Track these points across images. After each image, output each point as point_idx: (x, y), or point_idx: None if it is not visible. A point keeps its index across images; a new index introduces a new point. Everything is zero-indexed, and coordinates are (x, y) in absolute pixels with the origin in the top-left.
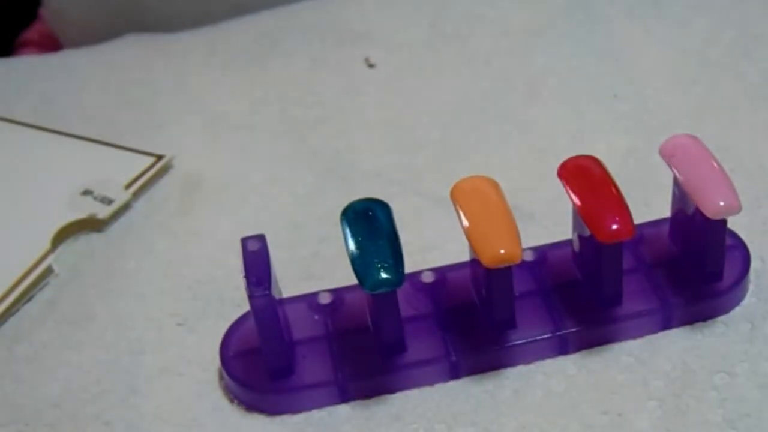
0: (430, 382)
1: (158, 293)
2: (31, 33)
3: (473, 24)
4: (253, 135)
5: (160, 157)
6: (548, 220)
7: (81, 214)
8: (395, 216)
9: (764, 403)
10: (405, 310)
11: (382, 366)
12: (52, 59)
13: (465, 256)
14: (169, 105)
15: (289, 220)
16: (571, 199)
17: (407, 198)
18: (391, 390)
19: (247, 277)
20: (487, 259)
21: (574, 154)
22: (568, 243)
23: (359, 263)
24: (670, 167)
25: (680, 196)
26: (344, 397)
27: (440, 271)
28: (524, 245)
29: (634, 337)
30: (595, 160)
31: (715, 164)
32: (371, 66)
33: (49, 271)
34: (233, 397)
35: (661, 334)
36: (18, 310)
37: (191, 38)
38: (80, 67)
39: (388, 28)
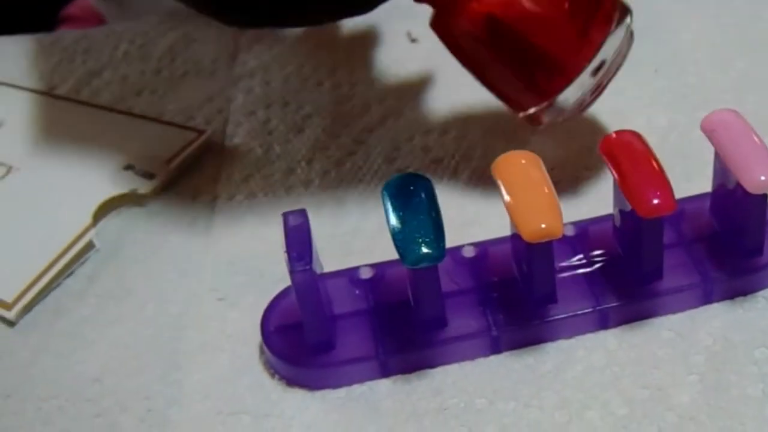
0: (471, 357)
1: (199, 268)
2: (74, 8)
3: None
4: (296, 110)
5: (201, 132)
6: (589, 195)
7: (123, 189)
8: (437, 191)
9: None
10: (446, 284)
11: (423, 341)
12: (95, 34)
13: (507, 231)
14: (213, 80)
15: (330, 195)
16: (612, 174)
17: (449, 173)
18: (432, 365)
19: (288, 251)
20: (528, 234)
21: (614, 129)
22: (609, 218)
23: (400, 238)
24: (711, 142)
25: (721, 171)
26: (385, 371)
27: (481, 246)
28: (565, 220)
29: (674, 311)
30: (637, 135)
31: (756, 139)
32: (413, 41)
33: (90, 245)
34: (274, 372)
35: (701, 309)
36: (59, 284)
37: None
38: (122, 42)
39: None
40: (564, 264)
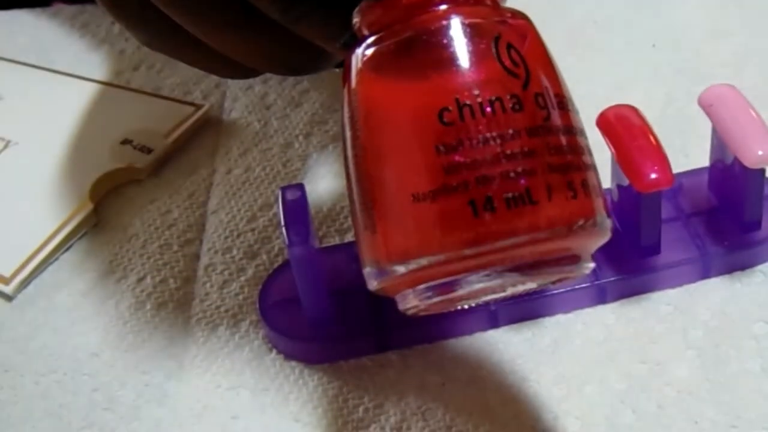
0: (470, 332)
1: (197, 243)
2: None
3: None
4: (294, 84)
5: (199, 107)
6: None
7: (120, 163)
8: None
9: None
10: None
11: (426, 316)
12: (92, 9)
13: None
14: None
15: (328, 170)
16: (610, 149)
17: None
18: (431, 340)
19: (285, 226)
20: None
21: (612, 103)
22: (606, 192)
23: None
24: (709, 117)
25: (719, 145)
26: (383, 346)
27: None
28: None
29: (672, 286)
30: (634, 110)
31: (753, 114)
32: None
33: (88, 220)
34: (272, 346)
35: (699, 284)
36: (56, 259)
37: None
38: None
39: None
40: None
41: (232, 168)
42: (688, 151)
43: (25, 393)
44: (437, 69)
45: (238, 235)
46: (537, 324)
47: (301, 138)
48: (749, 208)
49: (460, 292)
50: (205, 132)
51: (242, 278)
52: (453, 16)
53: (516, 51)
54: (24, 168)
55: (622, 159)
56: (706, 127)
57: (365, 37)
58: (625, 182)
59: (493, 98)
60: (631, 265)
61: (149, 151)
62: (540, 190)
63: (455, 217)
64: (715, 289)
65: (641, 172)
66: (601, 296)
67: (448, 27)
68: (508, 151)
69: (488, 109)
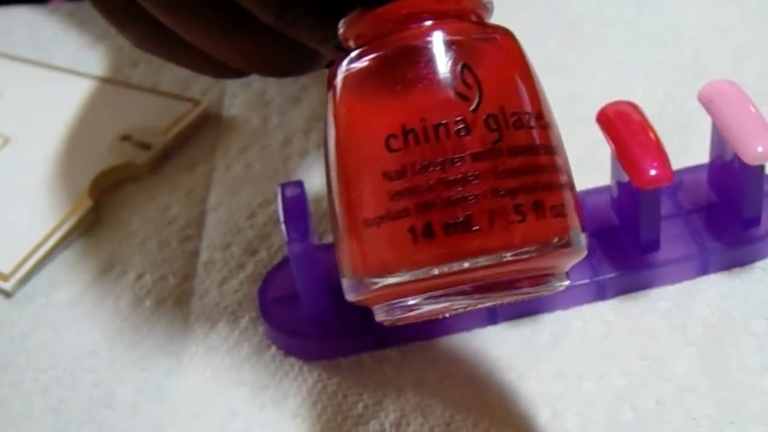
0: (469, 328)
1: (197, 239)
2: None
3: None
4: (293, 81)
5: (198, 103)
6: (586, 166)
7: (119, 160)
8: None
9: None
10: None
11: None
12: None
13: None
14: None
15: None
16: (610, 145)
17: None
18: (430, 336)
19: (284, 223)
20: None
21: (612, 99)
22: (606, 189)
23: None
24: (709, 113)
25: (718, 141)
26: (382, 342)
27: None
28: None
29: (672, 282)
30: (634, 106)
31: (753, 110)
32: None
33: (87, 217)
34: (272, 343)
35: (699, 280)
36: (56, 256)
37: None
38: None
39: None
40: None
41: (232, 164)
42: (687, 147)
43: (24, 389)
44: (392, 92)
45: (238, 232)
46: (536, 320)
47: (300, 135)
48: (749, 205)
49: (425, 309)
50: (205, 128)
51: (241, 275)
52: (430, 34)
53: (470, 72)
54: (23, 165)
55: (622, 155)
56: (705, 123)
57: (347, 52)
58: (625, 178)
59: (438, 123)
60: (630, 261)
61: (148, 147)
62: (482, 216)
63: (397, 243)
64: (715, 286)
65: (641, 169)
66: (601, 293)
67: (408, 49)
68: (450, 177)
69: (432, 135)
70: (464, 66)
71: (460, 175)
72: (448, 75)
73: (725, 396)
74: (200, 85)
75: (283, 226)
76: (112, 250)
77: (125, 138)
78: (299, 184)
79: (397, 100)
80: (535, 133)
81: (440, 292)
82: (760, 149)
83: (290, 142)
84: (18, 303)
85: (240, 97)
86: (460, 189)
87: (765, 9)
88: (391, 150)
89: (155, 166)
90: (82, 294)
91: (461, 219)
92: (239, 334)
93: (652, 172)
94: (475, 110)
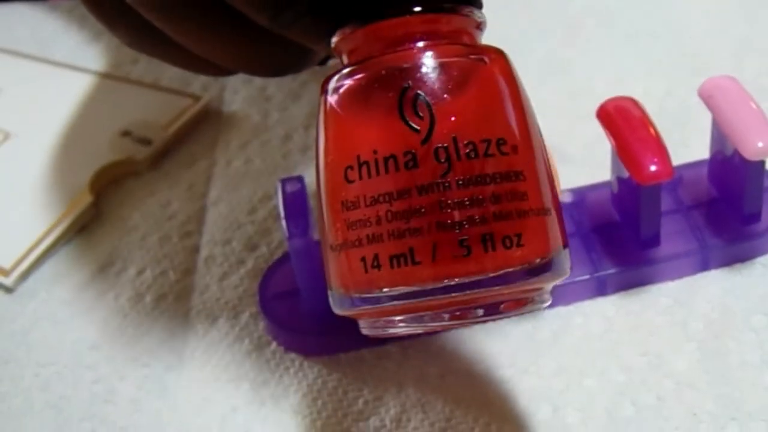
0: (469, 324)
1: (197, 235)
2: None
3: None
4: (293, 77)
5: (198, 98)
6: (586, 161)
7: (120, 155)
8: None
9: None
10: None
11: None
12: None
13: None
14: None
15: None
16: (610, 141)
17: None
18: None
19: (285, 218)
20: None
21: (612, 95)
22: (606, 185)
23: None
24: (709, 108)
25: (719, 137)
26: (382, 338)
27: None
28: (563, 187)
29: (672, 278)
30: (634, 102)
31: (753, 105)
32: None
33: (88, 212)
34: (272, 338)
35: (699, 276)
36: (57, 251)
37: None
38: None
39: None
40: None
41: (232, 160)
42: (688, 142)
43: (25, 385)
44: (357, 120)
45: (238, 227)
46: (537, 316)
47: (300, 130)
48: (749, 200)
49: (404, 329)
50: (205, 124)
51: (242, 270)
52: (409, 59)
53: (424, 102)
54: (23, 160)
55: (622, 151)
56: (706, 119)
57: (339, 70)
58: (625, 174)
59: (388, 156)
60: (630, 257)
61: (149, 143)
62: (424, 249)
63: (353, 270)
64: (715, 281)
65: (641, 164)
66: (601, 288)
67: (376, 77)
68: (396, 210)
69: (382, 168)
70: (417, 96)
71: (406, 208)
72: (399, 107)
73: (726, 392)
74: (201, 81)
75: (283, 222)
76: (113, 246)
77: (126, 133)
78: (300, 179)
79: (359, 129)
80: (492, 161)
81: (411, 315)
82: (760, 144)
83: (290, 138)
84: (18, 298)
85: (241, 92)
86: (404, 222)
87: (765, 5)
88: (348, 181)
89: (156, 162)
90: (82, 289)
91: (405, 252)
92: (239, 330)
93: (653, 168)
94: (424, 142)
